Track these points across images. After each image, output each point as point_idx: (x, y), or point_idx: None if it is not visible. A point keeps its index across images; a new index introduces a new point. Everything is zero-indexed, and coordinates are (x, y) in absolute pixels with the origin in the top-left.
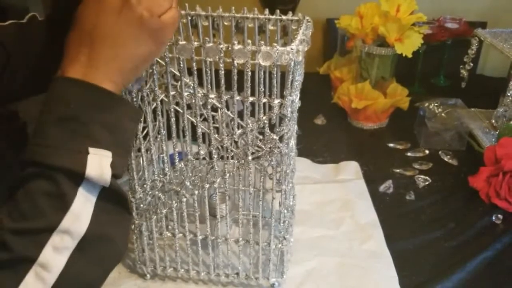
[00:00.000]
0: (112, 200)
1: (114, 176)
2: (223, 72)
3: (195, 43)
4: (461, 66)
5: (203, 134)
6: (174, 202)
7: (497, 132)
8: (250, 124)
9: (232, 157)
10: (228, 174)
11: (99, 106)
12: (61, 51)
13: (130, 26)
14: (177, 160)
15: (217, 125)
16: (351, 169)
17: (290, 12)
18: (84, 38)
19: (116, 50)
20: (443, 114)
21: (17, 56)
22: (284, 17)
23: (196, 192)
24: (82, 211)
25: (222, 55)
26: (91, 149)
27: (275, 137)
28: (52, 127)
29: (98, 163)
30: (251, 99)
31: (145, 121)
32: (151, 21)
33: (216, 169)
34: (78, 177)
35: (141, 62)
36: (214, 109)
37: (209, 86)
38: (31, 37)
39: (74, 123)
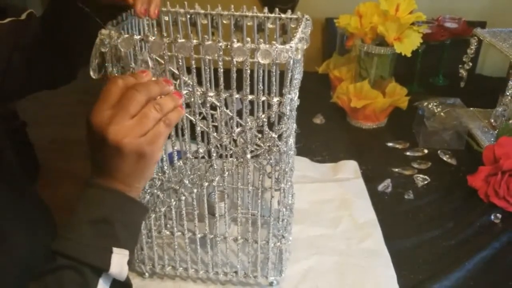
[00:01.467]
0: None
1: None
2: (222, 70)
3: (194, 41)
4: (460, 66)
5: (202, 132)
6: (173, 200)
7: (496, 132)
8: (249, 123)
9: (231, 156)
10: (227, 173)
11: (124, 210)
12: (57, 47)
13: (148, 167)
14: (176, 159)
15: (216, 124)
16: (350, 168)
17: (289, 11)
18: (103, 171)
19: (138, 181)
20: (442, 114)
21: (17, 53)
22: (283, 15)
23: (195, 190)
24: None
25: (221, 53)
26: (114, 249)
27: (274, 135)
28: (85, 226)
29: (119, 262)
30: (250, 97)
31: None
32: (152, 156)
33: (215, 167)
34: (102, 271)
35: (148, 173)
36: (213, 107)
37: (208, 84)
38: (30, 33)
39: (103, 224)
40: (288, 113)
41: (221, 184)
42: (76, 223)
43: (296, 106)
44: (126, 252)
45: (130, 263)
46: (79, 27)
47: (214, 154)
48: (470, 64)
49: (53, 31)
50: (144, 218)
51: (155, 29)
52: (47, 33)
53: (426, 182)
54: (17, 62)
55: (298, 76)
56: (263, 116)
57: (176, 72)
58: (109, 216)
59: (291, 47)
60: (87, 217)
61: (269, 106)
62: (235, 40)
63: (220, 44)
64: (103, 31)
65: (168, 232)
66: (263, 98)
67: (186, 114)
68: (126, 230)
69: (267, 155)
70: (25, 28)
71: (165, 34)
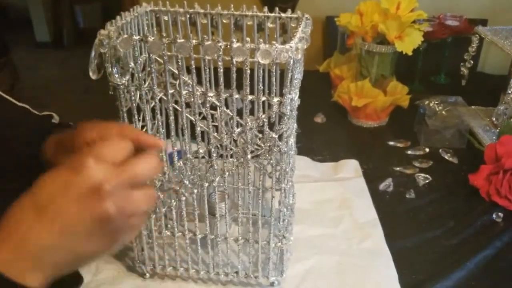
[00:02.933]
0: None
1: None
2: (222, 70)
3: (194, 41)
4: (461, 64)
5: (202, 132)
6: (173, 201)
7: (497, 130)
8: (249, 123)
9: (232, 156)
10: (227, 173)
11: None
12: None
13: (89, 220)
14: (176, 159)
15: (216, 124)
16: (351, 167)
17: (289, 10)
18: (31, 206)
19: (62, 240)
20: (443, 112)
21: None
22: (283, 15)
23: (196, 191)
24: None
25: (221, 53)
26: None
27: (274, 135)
28: None
29: None
30: (250, 97)
31: (144, 120)
32: (116, 220)
33: (215, 167)
34: None
35: (82, 259)
36: (213, 107)
37: (208, 84)
38: None
39: None
40: (288, 113)
41: (221, 184)
42: None
43: (296, 106)
44: None
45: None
46: None
47: (215, 154)
48: (472, 62)
49: None
50: None
51: (155, 29)
52: None
53: (427, 181)
54: None
55: (298, 76)
56: (263, 116)
57: (176, 72)
58: None
59: (291, 47)
60: None
61: (270, 106)
62: (234, 40)
63: (220, 44)
64: (102, 31)
65: (168, 233)
66: (263, 98)
67: (187, 114)
68: None
69: (267, 155)
70: None
71: (164, 34)
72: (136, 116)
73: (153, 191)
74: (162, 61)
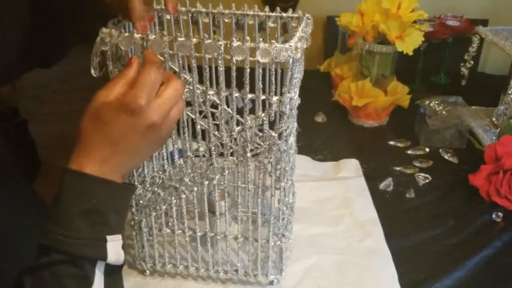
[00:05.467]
0: (115, 268)
1: None
2: (222, 69)
3: (194, 40)
4: (462, 64)
5: (203, 131)
6: (173, 198)
7: (497, 130)
8: (249, 121)
9: (232, 154)
10: (227, 171)
11: (114, 198)
12: (44, 24)
13: (152, 145)
14: (177, 157)
15: (217, 122)
16: (351, 166)
17: (291, 10)
18: (107, 142)
19: (134, 159)
20: (443, 112)
21: (8, 32)
22: (284, 14)
23: (196, 188)
24: (99, 285)
25: (221, 52)
26: (108, 237)
27: (274, 134)
28: (76, 219)
29: (115, 249)
30: (250, 96)
31: None
32: (166, 136)
33: (216, 166)
34: (98, 261)
35: (143, 161)
36: (214, 106)
37: (208, 83)
38: (19, 12)
39: (95, 215)
40: (288, 112)
41: (221, 183)
42: (66, 216)
43: (296, 105)
44: (119, 237)
45: (123, 246)
46: (67, 2)
47: (215, 153)
48: (472, 62)
49: (42, 6)
50: (132, 197)
51: (157, 27)
52: (37, 11)
53: (427, 180)
54: (8, 41)
55: (298, 75)
56: (263, 115)
57: (177, 70)
58: (101, 207)
59: (290, 46)
60: (78, 209)
61: (270, 105)
62: (234, 39)
63: (220, 43)
64: (104, 29)
65: (168, 230)
66: (263, 97)
67: (187, 112)
68: (117, 216)
69: (267, 154)
70: (15, 6)
71: (165, 33)
72: None
73: (182, 103)
74: (163, 59)
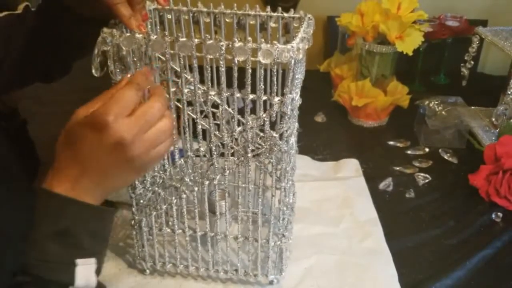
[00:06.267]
0: None
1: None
2: (223, 69)
3: (196, 40)
4: (461, 64)
5: (204, 131)
6: (174, 198)
7: (497, 131)
8: (250, 122)
9: (232, 154)
10: (228, 171)
11: (88, 220)
12: (51, 40)
13: (122, 167)
14: (177, 157)
15: (218, 122)
16: (351, 166)
17: (292, 10)
18: (74, 161)
19: (107, 181)
20: (443, 112)
21: (12, 46)
22: (286, 14)
23: (196, 188)
24: None
25: (222, 52)
26: (78, 261)
27: (275, 134)
28: (46, 240)
29: (84, 274)
30: (251, 96)
31: None
32: (140, 159)
33: (216, 166)
34: (68, 285)
35: (122, 186)
36: (215, 106)
37: (209, 83)
38: (25, 26)
39: (66, 237)
40: (289, 113)
41: (222, 183)
42: (36, 236)
43: (298, 106)
44: (92, 261)
45: (99, 270)
46: (73, 21)
47: (216, 153)
48: (472, 62)
49: (47, 24)
50: (112, 219)
51: (158, 27)
52: (42, 26)
53: (427, 180)
54: (11, 55)
55: (299, 75)
56: (264, 115)
57: (178, 70)
58: (72, 228)
59: (292, 47)
60: (49, 230)
61: (271, 105)
62: (236, 39)
63: (222, 43)
64: (105, 29)
65: (169, 230)
66: (264, 98)
67: (188, 112)
68: (92, 239)
69: (268, 154)
70: (21, 21)
71: (167, 33)
72: None
73: (167, 121)
74: (164, 59)
